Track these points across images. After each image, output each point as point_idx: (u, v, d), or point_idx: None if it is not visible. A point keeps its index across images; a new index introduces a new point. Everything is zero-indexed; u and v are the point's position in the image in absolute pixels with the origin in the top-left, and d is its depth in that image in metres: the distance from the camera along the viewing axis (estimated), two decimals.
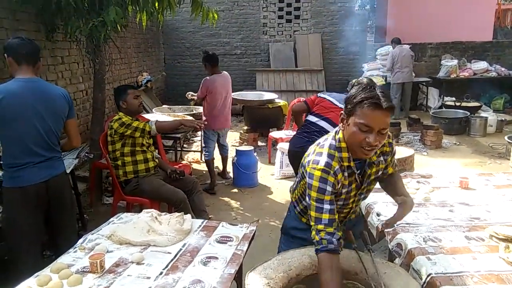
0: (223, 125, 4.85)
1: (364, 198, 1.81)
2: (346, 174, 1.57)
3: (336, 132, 1.62)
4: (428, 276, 1.58)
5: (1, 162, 2.26)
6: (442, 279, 1.55)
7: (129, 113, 3.30)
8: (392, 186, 1.77)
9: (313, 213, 1.50)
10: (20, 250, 2.29)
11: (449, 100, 8.23)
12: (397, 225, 1.99)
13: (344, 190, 1.60)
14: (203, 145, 4.96)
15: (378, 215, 2.15)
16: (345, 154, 1.55)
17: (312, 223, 1.51)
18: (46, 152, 2.32)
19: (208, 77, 4.68)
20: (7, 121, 2.15)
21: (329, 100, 3.48)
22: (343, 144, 1.56)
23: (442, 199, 2.36)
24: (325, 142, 1.61)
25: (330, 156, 1.54)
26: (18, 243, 2.30)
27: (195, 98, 4.94)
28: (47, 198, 2.33)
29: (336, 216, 1.51)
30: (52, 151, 2.37)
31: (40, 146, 2.29)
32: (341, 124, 1.57)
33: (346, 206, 1.70)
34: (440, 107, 8.33)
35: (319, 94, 3.66)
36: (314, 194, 1.50)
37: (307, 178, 1.55)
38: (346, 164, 1.56)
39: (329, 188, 1.49)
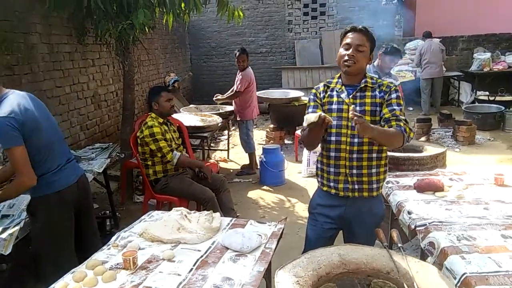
0: (257, 112, 5.30)
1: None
2: (329, 92, 2.04)
3: None
4: (462, 275, 1.54)
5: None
6: (478, 279, 1.50)
7: (160, 114, 3.36)
8: None
9: None
10: (60, 255, 2.23)
11: (482, 95, 7.94)
12: (429, 223, 1.95)
13: (331, 107, 2.00)
14: (245, 138, 5.19)
15: (409, 213, 2.11)
16: (334, 80, 2.07)
17: None
18: (66, 151, 2.35)
19: (244, 71, 4.96)
20: (31, 130, 2.08)
21: None
22: (337, 75, 2.10)
23: (476, 197, 2.28)
24: None
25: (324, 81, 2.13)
26: (60, 248, 2.24)
27: (225, 97, 5.15)
28: (78, 199, 2.33)
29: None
30: (69, 151, 2.40)
31: (60, 144, 2.30)
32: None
33: (341, 135, 1.97)
34: (473, 102, 8.05)
35: None
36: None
37: None
38: (333, 86, 2.05)
39: (311, 96, 2.10)
